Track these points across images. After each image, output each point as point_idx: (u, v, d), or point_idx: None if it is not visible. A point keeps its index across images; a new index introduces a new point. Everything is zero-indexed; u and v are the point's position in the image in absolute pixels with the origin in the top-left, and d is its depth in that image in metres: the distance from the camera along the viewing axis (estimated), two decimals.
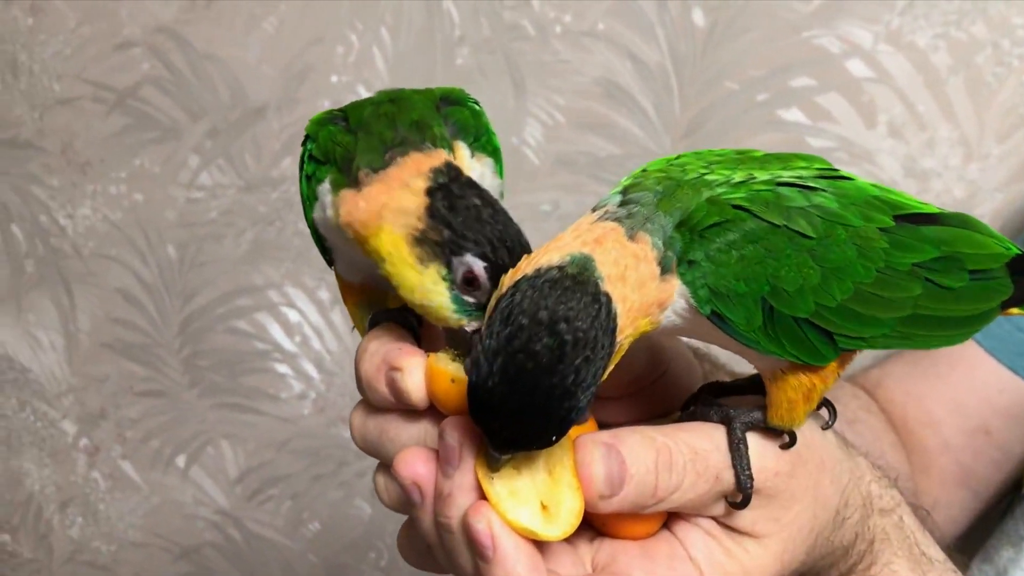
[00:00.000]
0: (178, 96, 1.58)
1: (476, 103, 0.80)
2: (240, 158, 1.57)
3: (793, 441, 0.70)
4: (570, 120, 1.43)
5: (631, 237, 0.64)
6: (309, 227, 0.80)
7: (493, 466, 0.65)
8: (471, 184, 0.70)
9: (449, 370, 0.69)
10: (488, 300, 0.67)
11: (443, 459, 0.67)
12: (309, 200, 0.78)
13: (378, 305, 0.83)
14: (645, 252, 0.64)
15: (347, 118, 0.77)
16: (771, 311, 0.64)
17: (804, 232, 0.64)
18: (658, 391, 0.77)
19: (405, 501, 0.70)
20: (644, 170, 0.70)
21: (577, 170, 1.44)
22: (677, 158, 0.71)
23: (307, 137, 0.78)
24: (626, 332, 0.63)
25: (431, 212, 0.69)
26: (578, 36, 1.41)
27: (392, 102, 0.77)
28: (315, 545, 1.70)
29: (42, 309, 1.73)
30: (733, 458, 0.68)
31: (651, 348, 0.75)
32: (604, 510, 0.66)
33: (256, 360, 1.65)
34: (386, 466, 0.72)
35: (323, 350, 1.62)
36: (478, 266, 0.68)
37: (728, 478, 0.68)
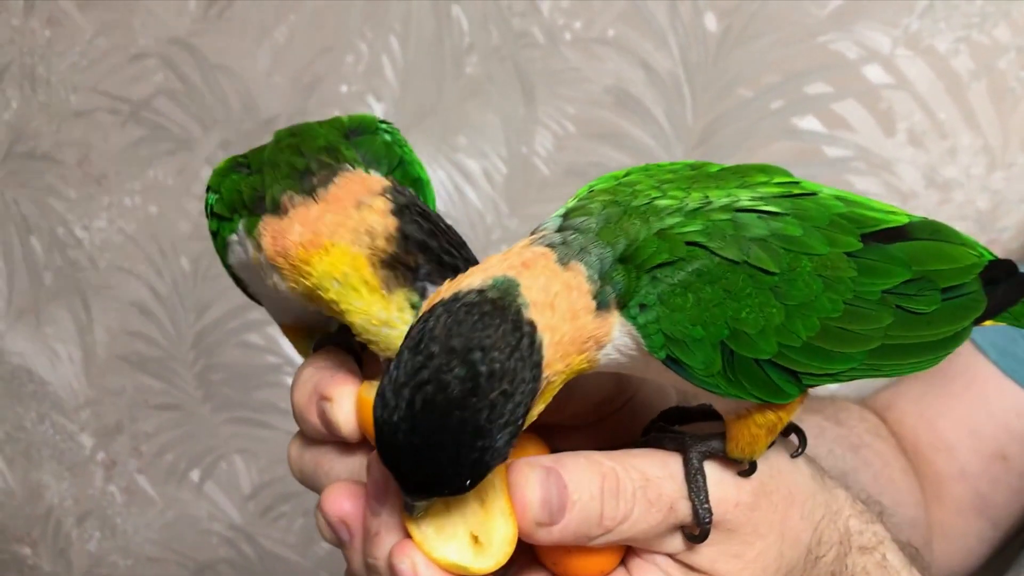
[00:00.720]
0: (191, 107, 1.57)
1: (390, 131, 0.75)
2: None
3: (753, 468, 0.65)
4: (580, 129, 1.39)
5: (564, 265, 0.58)
6: (228, 273, 0.77)
7: (410, 514, 0.60)
8: (425, 207, 0.67)
9: None
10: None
11: (371, 495, 0.63)
12: (219, 251, 0.74)
13: (321, 331, 0.79)
14: (579, 282, 0.58)
15: (248, 163, 0.73)
16: (731, 355, 0.59)
17: (765, 268, 0.58)
18: (625, 419, 0.72)
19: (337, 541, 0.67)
20: (591, 189, 0.65)
21: (588, 180, 1.39)
22: (626, 175, 0.65)
23: (209, 188, 0.74)
24: (555, 367, 0.57)
25: (404, 235, 0.65)
26: (588, 43, 1.37)
27: (293, 135, 0.73)
28: (327, 563, 1.67)
29: (60, 321, 1.72)
30: (690, 489, 0.63)
31: (618, 375, 0.70)
32: (544, 540, 0.61)
33: (268, 374, 1.63)
34: None
35: None
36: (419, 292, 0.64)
37: (683, 509, 0.63)
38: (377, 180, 0.67)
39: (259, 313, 1.60)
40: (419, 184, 0.75)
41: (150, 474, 1.73)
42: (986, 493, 1.10)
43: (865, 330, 0.61)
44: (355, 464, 0.68)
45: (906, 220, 0.63)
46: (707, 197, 0.62)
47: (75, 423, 1.76)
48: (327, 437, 0.68)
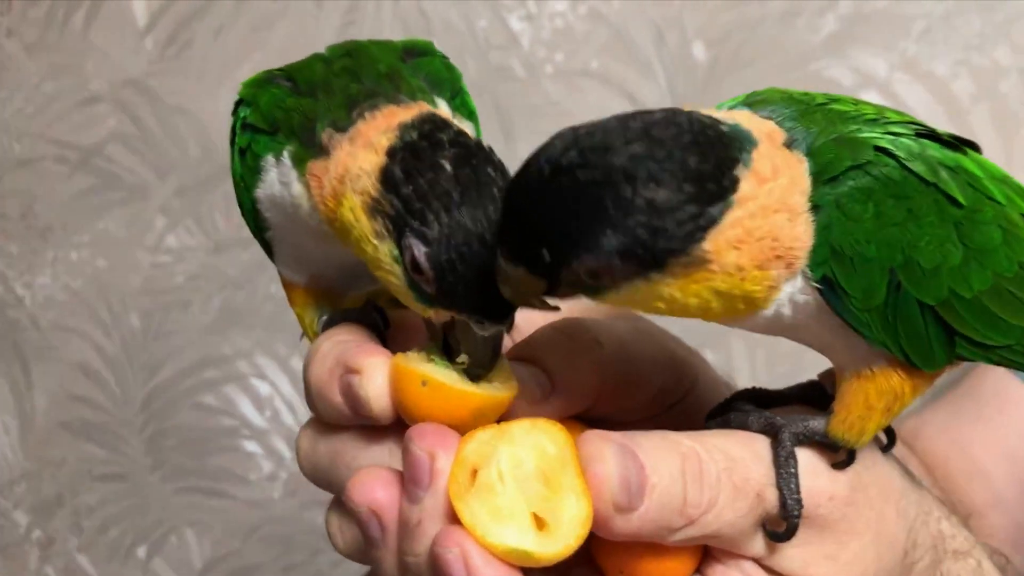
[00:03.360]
0: (145, 153, 1.48)
1: (447, 57, 0.68)
2: (210, 217, 1.47)
3: (851, 459, 0.57)
4: None
5: (790, 149, 0.51)
6: (245, 213, 0.68)
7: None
8: (453, 143, 0.56)
9: (421, 371, 0.56)
10: (435, 292, 0.54)
11: (409, 478, 0.54)
12: (246, 178, 0.65)
13: (330, 307, 0.70)
14: (801, 176, 0.50)
15: (293, 79, 0.64)
16: (898, 289, 0.51)
17: (955, 197, 0.51)
18: (684, 413, 0.64)
19: (363, 543, 0.57)
20: (752, 93, 0.57)
21: None
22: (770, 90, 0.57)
23: (240, 102, 0.65)
24: (723, 253, 0.47)
25: (384, 177, 0.56)
26: (570, 76, 1.31)
27: (349, 55, 0.64)
28: None
29: None
30: (779, 475, 0.55)
31: (674, 361, 0.63)
32: (621, 532, 0.52)
33: (223, 438, 1.52)
34: (341, 501, 0.59)
35: (295, 424, 1.48)
36: (419, 251, 0.54)
37: (771, 498, 0.55)
38: (409, 111, 0.58)
39: (215, 371, 1.50)
40: (474, 118, 0.67)
41: (92, 552, 1.60)
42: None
43: None
44: (383, 453, 0.58)
45: None
46: (880, 111, 0.55)
47: (8, 499, 1.62)
48: (350, 420, 0.58)
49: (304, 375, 0.61)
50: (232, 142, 0.66)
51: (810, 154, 0.51)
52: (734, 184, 0.48)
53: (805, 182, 0.50)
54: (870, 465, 0.58)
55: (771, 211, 0.49)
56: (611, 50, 1.29)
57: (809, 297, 0.52)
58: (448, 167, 0.55)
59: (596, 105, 1.30)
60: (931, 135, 0.54)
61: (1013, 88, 1.18)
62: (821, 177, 0.50)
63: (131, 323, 1.53)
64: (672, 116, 0.48)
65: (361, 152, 0.57)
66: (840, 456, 0.57)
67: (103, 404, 1.55)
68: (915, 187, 0.51)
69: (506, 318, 0.56)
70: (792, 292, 0.52)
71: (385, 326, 0.65)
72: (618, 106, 1.28)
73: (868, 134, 0.52)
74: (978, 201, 0.52)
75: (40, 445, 1.60)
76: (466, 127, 0.64)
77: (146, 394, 1.53)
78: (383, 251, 0.56)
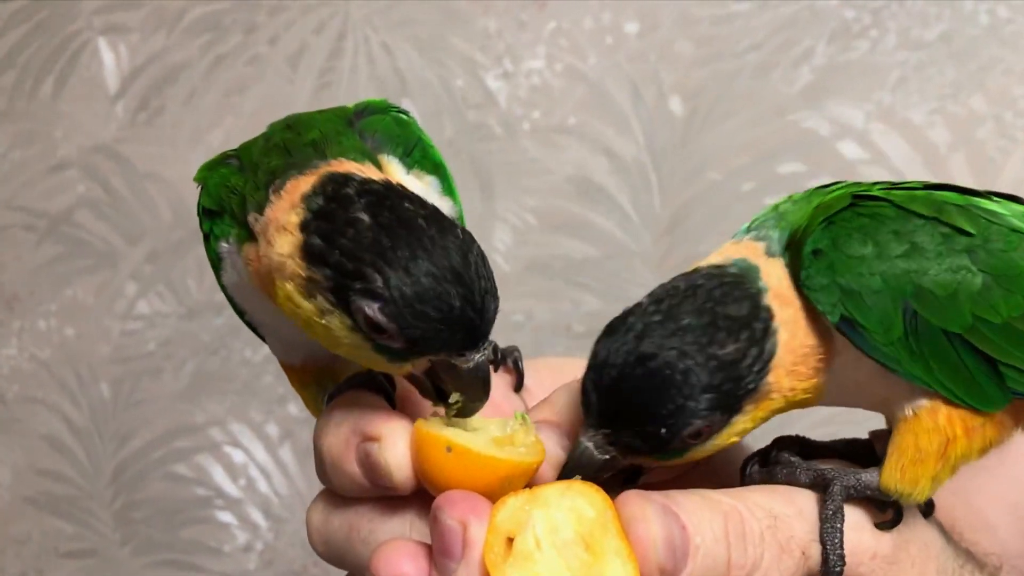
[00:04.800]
0: (115, 219, 1.46)
1: (403, 112, 0.65)
2: (181, 283, 1.44)
3: (898, 519, 0.55)
4: (542, 222, 1.32)
5: (770, 256, 0.55)
6: (227, 298, 0.66)
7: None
8: (361, 193, 0.53)
9: (445, 436, 0.53)
10: (403, 344, 0.52)
11: (440, 549, 0.51)
12: (213, 265, 0.63)
13: (332, 382, 0.66)
14: (784, 273, 0.55)
15: (239, 157, 0.62)
16: (915, 318, 0.51)
17: (960, 227, 0.52)
18: (705, 475, 0.62)
19: None
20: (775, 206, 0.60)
21: (552, 275, 1.31)
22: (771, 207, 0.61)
23: (200, 187, 0.63)
24: (781, 381, 0.53)
25: (306, 254, 0.53)
26: (548, 132, 1.31)
27: (288, 128, 0.62)
28: None
29: None
30: (823, 529, 0.53)
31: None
32: None
33: (196, 509, 1.47)
34: None
35: (271, 493, 1.45)
36: (372, 310, 0.51)
37: (815, 555, 0.53)
38: (308, 178, 0.55)
39: (187, 440, 1.47)
40: (440, 170, 0.64)
41: None
42: None
43: None
44: (403, 525, 0.55)
45: None
46: (894, 183, 0.57)
47: None
48: (368, 491, 0.55)
49: (315, 445, 0.58)
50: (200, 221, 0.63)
51: (791, 239, 0.54)
52: (771, 314, 0.52)
53: (788, 278, 0.54)
54: (910, 521, 0.57)
55: (804, 324, 0.53)
56: (588, 106, 1.30)
57: (840, 348, 0.53)
58: (366, 218, 0.52)
59: (574, 161, 1.30)
60: (951, 188, 0.56)
61: (990, 135, 1.19)
62: (816, 223, 0.53)
63: (100, 392, 1.49)
64: (691, 284, 0.53)
65: (276, 237, 0.54)
66: (886, 516, 0.55)
67: (71, 477, 1.51)
68: (914, 222, 0.52)
69: (482, 342, 0.53)
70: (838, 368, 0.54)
71: (392, 387, 0.62)
72: (596, 162, 1.28)
73: (855, 189, 0.55)
74: (994, 231, 0.52)
75: (3, 522, 1.55)
76: (428, 182, 0.62)
77: (115, 465, 1.49)
78: (335, 325, 0.53)
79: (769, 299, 0.52)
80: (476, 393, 0.55)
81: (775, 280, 0.53)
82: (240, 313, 0.66)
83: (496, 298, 0.54)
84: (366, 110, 0.64)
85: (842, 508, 0.54)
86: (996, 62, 1.18)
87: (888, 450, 0.55)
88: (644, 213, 1.28)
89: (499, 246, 1.33)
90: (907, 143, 1.21)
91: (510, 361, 0.63)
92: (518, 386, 0.63)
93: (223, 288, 0.64)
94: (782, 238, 0.54)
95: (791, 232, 0.54)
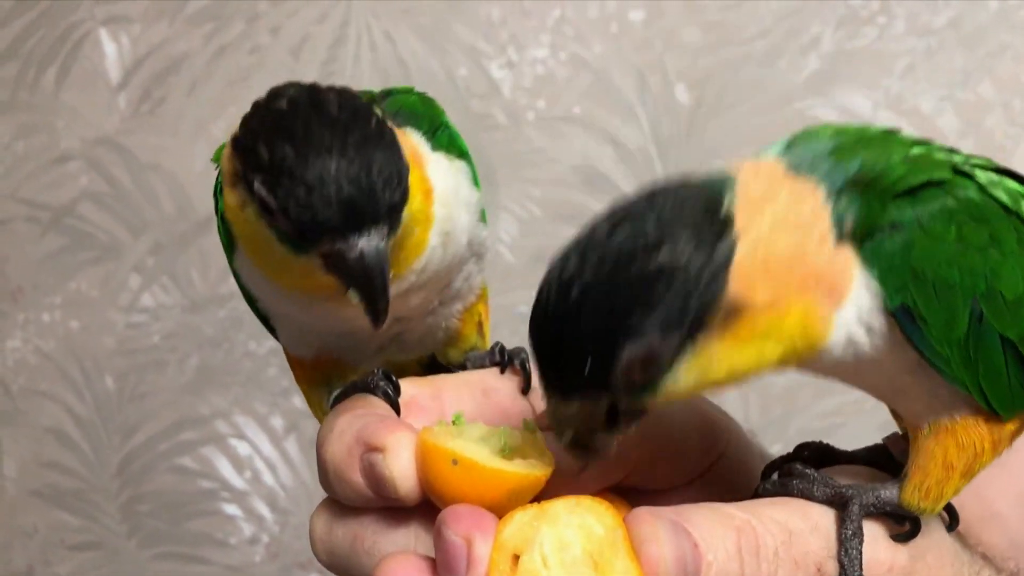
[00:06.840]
0: (119, 211, 1.45)
1: (429, 96, 0.66)
2: (185, 275, 1.44)
3: (915, 530, 0.54)
4: (547, 212, 1.31)
5: (796, 173, 0.49)
6: (239, 286, 0.65)
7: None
8: (292, 87, 0.54)
9: (451, 448, 0.52)
10: (290, 224, 0.51)
11: (444, 566, 0.49)
12: (226, 250, 0.63)
13: (341, 381, 0.65)
14: (813, 198, 0.48)
15: None
16: (980, 320, 0.48)
17: None
18: (717, 479, 0.61)
19: None
20: (807, 130, 0.55)
21: None
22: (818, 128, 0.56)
23: (217, 169, 0.62)
24: (757, 290, 0.45)
25: (233, 144, 0.54)
26: (553, 122, 1.30)
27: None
28: None
29: None
30: (841, 550, 0.52)
31: (709, 424, 0.60)
32: None
33: (202, 501, 1.47)
34: None
35: (276, 485, 1.44)
36: (258, 183, 0.51)
37: (831, 571, 0.52)
38: None
39: (192, 432, 1.46)
40: (467, 157, 0.65)
41: None
42: None
43: None
44: (408, 537, 0.54)
45: None
46: (951, 149, 0.53)
47: None
48: (372, 502, 0.54)
49: (318, 454, 0.57)
50: (216, 211, 0.63)
51: (858, 179, 0.49)
52: (730, 219, 0.46)
53: (820, 200, 0.48)
54: (926, 531, 0.55)
55: (784, 232, 0.47)
56: (593, 95, 1.28)
57: (882, 330, 0.49)
58: (283, 105, 0.53)
59: (580, 151, 1.29)
60: (1008, 173, 0.53)
61: (999, 122, 1.18)
62: (893, 190, 0.48)
63: (105, 385, 1.49)
64: (643, 194, 0.48)
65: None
66: (903, 528, 0.54)
67: (76, 470, 1.51)
68: (996, 213, 0.49)
69: (368, 225, 0.52)
70: (854, 325, 0.49)
71: (396, 392, 0.60)
72: (602, 152, 1.27)
73: (943, 156, 0.50)
74: None
75: (10, 514, 1.55)
76: (458, 168, 0.63)
77: (121, 458, 1.49)
78: (252, 218, 0.53)
79: (731, 206, 0.46)
80: (365, 289, 0.53)
81: (754, 190, 0.47)
82: (251, 301, 0.65)
83: (395, 187, 0.52)
84: (392, 90, 0.64)
85: (861, 528, 0.52)
86: (1005, 48, 1.17)
87: (910, 466, 0.53)
88: None
89: (504, 237, 1.32)
90: (916, 131, 1.18)
91: (517, 362, 0.62)
92: (525, 388, 0.61)
93: (235, 274, 0.63)
94: (846, 169, 0.49)
95: (860, 167, 0.49)
